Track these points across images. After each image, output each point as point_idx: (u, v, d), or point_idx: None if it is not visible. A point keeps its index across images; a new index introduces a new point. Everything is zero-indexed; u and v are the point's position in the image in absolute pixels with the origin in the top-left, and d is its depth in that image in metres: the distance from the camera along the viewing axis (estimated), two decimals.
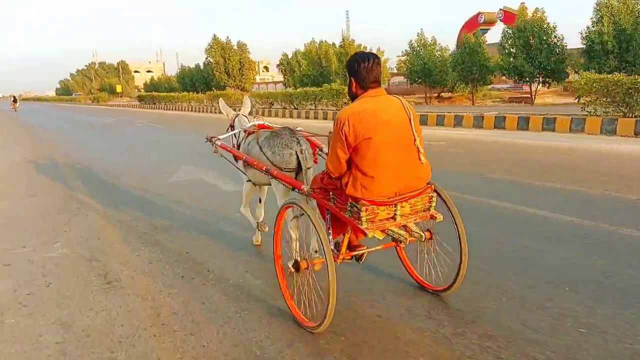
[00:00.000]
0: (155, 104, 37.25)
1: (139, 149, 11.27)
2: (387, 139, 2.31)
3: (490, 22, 29.68)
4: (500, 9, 28.00)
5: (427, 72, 25.56)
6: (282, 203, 2.69)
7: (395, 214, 2.43)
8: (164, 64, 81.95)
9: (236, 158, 3.68)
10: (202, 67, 42.03)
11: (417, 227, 2.59)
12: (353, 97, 2.47)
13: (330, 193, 2.57)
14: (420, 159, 2.42)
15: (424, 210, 2.57)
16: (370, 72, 2.37)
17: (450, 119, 13.96)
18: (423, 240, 2.59)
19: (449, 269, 2.78)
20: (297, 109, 22.11)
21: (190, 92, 35.91)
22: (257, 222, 3.86)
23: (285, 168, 3.14)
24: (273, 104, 25.06)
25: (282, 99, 24.01)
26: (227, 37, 38.49)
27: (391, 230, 2.48)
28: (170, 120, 21.75)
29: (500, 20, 27.80)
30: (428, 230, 2.71)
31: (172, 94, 37.33)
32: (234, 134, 3.89)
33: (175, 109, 32.79)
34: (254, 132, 3.57)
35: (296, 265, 2.59)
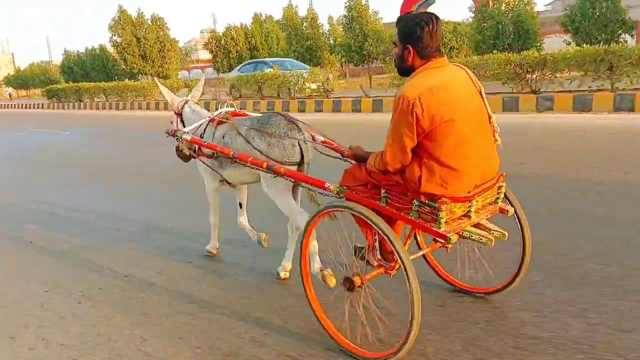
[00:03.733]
0: (82, 101, 27.41)
1: None
2: (468, 120, 2.20)
3: None
4: None
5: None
6: (320, 208, 2.47)
7: (469, 211, 2.31)
8: (12, 55, 76.58)
9: (214, 154, 3.37)
10: (98, 51, 37.96)
11: (493, 225, 2.48)
12: (406, 69, 2.31)
13: (382, 191, 2.38)
14: (496, 140, 2.33)
15: (490, 204, 2.49)
16: (434, 37, 2.23)
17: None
18: (506, 239, 2.48)
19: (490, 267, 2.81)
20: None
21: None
22: (257, 234, 3.59)
23: (286, 162, 2.96)
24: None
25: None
26: (139, 9, 34.09)
27: (467, 232, 2.34)
28: None
29: None
30: None
31: (126, 82, 26.99)
32: (198, 125, 3.60)
33: (124, 108, 23.58)
34: (224, 122, 3.35)
35: (349, 283, 2.39)
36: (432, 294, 2.96)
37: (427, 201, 2.20)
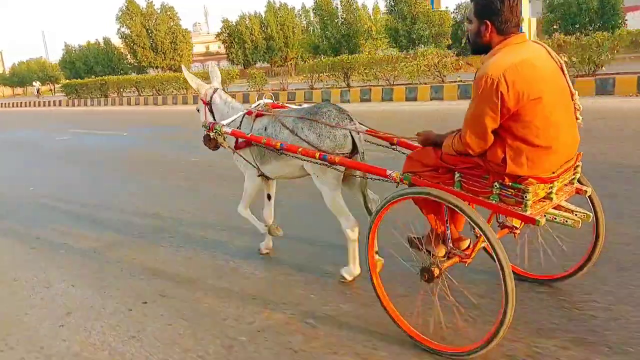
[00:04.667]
0: (107, 96, 26.57)
1: None
2: (554, 97, 2.13)
3: None
4: None
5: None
6: (393, 194, 2.41)
7: (550, 192, 2.25)
8: (0, 52, 76.23)
9: (254, 146, 3.31)
10: (102, 44, 37.07)
11: (574, 206, 2.42)
12: (483, 47, 2.24)
13: (457, 174, 2.31)
14: (578, 118, 2.27)
15: (566, 185, 2.42)
16: (514, 11, 2.16)
17: None
18: (590, 220, 2.41)
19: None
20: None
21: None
22: (268, 225, 3.64)
23: (338, 154, 2.91)
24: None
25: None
26: None
27: (551, 214, 2.28)
28: None
29: None
30: None
31: (167, 74, 26.02)
32: (235, 118, 3.50)
33: (164, 102, 22.21)
34: (262, 114, 3.30)
35: (428, 274, 2.35)
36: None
37: (511, 183, 2.13)
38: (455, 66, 15.22)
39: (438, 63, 13.81)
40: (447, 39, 23.17)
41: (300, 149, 2.91)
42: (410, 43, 22.25)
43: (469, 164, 2.27)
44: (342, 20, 25.41)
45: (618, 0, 17.86)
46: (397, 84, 15.37)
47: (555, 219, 2.27)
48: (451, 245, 2.45)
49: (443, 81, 14.25)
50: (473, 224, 2.14)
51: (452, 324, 2.48)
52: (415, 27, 22.13)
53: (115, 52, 36.62)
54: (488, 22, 2.16)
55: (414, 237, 2.72)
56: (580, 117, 2.30)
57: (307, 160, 2.97)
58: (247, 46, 29.01)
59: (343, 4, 26.13)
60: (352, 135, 2.96)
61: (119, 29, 33.33)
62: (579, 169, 2.43)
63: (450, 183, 2.35)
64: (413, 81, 14.79)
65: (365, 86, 15.52)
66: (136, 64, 33.75)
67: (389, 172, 2.58)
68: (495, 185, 2.18)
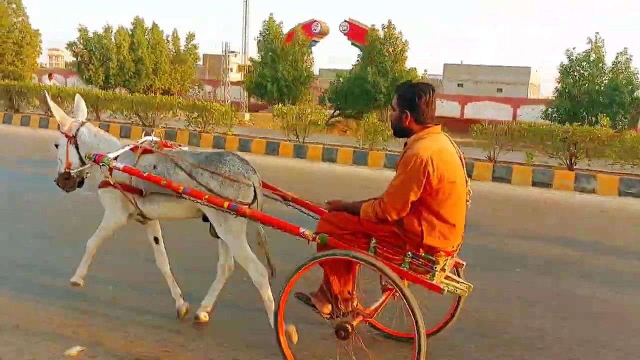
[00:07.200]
0: None
1: None
2: (462, 182, 2.62)
3: (324, 33, 31.07)
4: (346, 21, 30.59)
5: None
6: (317, 255, 2.63)
7: (445, 265, 2.68)
8: None
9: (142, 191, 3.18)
10: None
11: (457, 277, 2.91)
12: (404, 131, 2.66)
13: (373, 241, 2.63)
14: (468, 200, 2.79)
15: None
16: (430, 106, 2.62)
17: None
18: (471, 290, 2.91)
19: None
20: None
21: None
22: (181, 304, 3.41)
23: (239, 203, 2.97)
24: None
25: None
26: None
27: (444, 283, 2.70)
28: None
29: (345, 34, 30.43)
30: None
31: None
32: (123, 152, 3.31)
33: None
34: (151, 152, 3.23)
35: (344, 332, 2.57)
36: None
37: (424, 254, 2.52)
38: None
39: None
40: None
41: (207, 196, 2.90)
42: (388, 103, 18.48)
43: (386, 232, 2.60)
44: (291, 62, 21.22)
45: None
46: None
47: (448, 287, 2.71)
48: (355, 304, 2.73)
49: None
50: (395, 287, 2.46)
51: None
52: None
53: None
54: (408, 112, 2.60)
55: (302, 294, 2.83)
56: (470, 201, 2.80)
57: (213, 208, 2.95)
58: (111, 65, 24.08)
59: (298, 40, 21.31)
60: (254, 186, 3.06)
61: None
62: (459, 245, 2.90)
63: (366, 247, 2.63)
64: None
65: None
66: None
67: (302, 230, 2.74)
68: (408, 254, 2.55)
